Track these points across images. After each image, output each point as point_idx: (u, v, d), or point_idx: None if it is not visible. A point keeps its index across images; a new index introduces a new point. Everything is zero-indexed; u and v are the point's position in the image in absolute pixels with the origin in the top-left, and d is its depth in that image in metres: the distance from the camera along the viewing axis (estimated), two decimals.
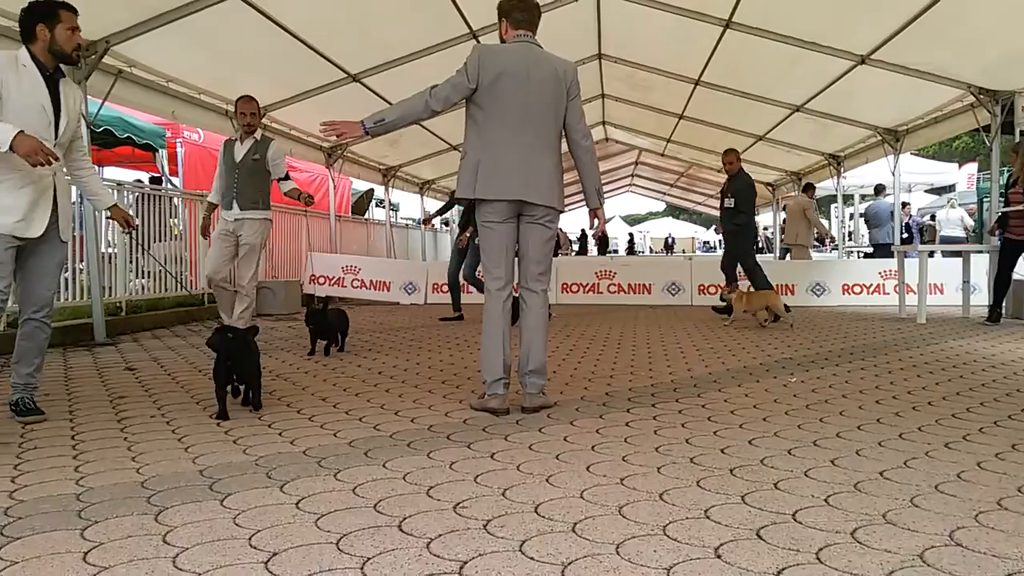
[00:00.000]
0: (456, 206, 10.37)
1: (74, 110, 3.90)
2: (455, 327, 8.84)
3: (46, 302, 3.91)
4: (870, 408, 4.08)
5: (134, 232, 4.28)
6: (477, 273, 9.09)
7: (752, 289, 9.10)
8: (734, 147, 9.95)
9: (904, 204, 18.00)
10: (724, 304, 9.41)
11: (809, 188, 14.34)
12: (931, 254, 9.99)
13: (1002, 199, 8.82)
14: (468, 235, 9.11)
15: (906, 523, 2.33)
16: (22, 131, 3.44)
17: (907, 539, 2.20)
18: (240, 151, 6.63)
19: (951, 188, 24.10)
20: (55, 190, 3.82)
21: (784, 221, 15.39)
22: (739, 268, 9.45)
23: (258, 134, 6.71)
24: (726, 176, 9.51)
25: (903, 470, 2.91)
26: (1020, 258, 8.44)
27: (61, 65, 3.85)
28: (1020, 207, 8.19)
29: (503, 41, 4.17)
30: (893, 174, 12.25)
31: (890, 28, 8.25)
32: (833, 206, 28.43)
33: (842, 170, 14.57)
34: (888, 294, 11.68)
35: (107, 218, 4.12)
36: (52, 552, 2.16)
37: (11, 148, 3.40)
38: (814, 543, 2.18)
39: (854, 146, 13.47)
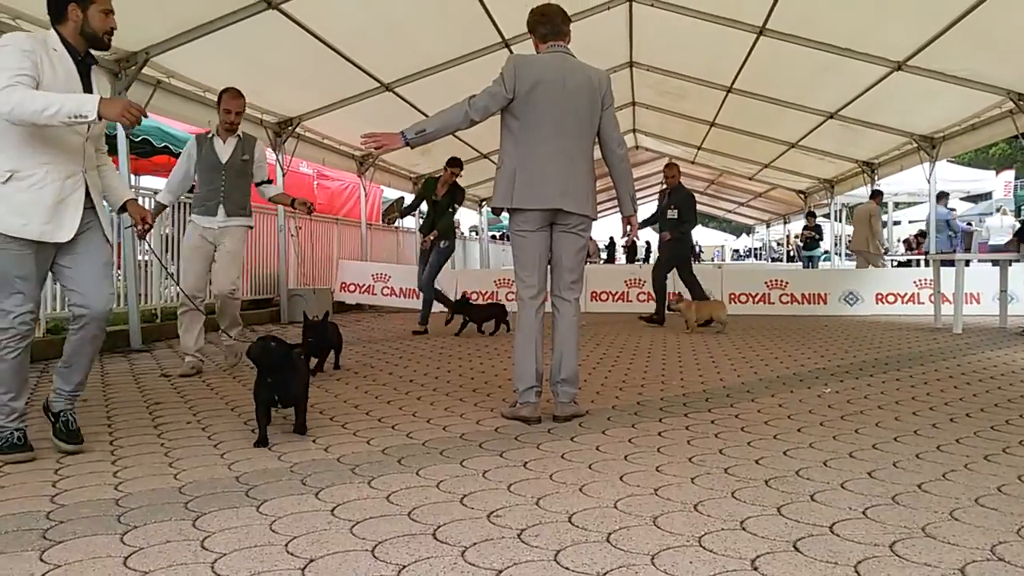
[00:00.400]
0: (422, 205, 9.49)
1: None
2: (485, 336, 8.84)
3: (100, 307, 3.44)
4: (907, 420, 4.03)
5: (146, 235, 3.82)
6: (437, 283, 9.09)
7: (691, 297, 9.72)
8: (675, 163, 10.73)
9: (951, 210, 17.77)
10: (652, 314, 10.19)
11: (877, 195, 14.19)
12: (967, 263, 9.82)
13: None
14: (432, 239, 8.71)
15: (946, 537, 2.30)
16: (102, 96, 3.14)
17: (947, 553, 2.17)
18: (225, 150, 5.86)
19: (988, 195, 23.76)
20: (87, 188, 3.40)
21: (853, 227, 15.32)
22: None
23: (240, 132, 6.00)
24: (668, 188, 10.16)
25: (942, 483, 2.87)
26: None
27: (91, 51, 3.45)
28: None
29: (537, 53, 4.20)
30: (929, 181, 12.08)
31: (927, 34, 8.16)
32: None
33: (876, 177, 14.39)
34: (923, 303, 11.50)
35: (117, 212, 3.70)
36: (93, 556, 2.19)
37: (99, 116, 3.06)
38: (852, 556, 2.15)
39: (888, 153, 13.31)
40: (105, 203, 3.60)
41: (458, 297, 9.31)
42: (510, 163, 4.03)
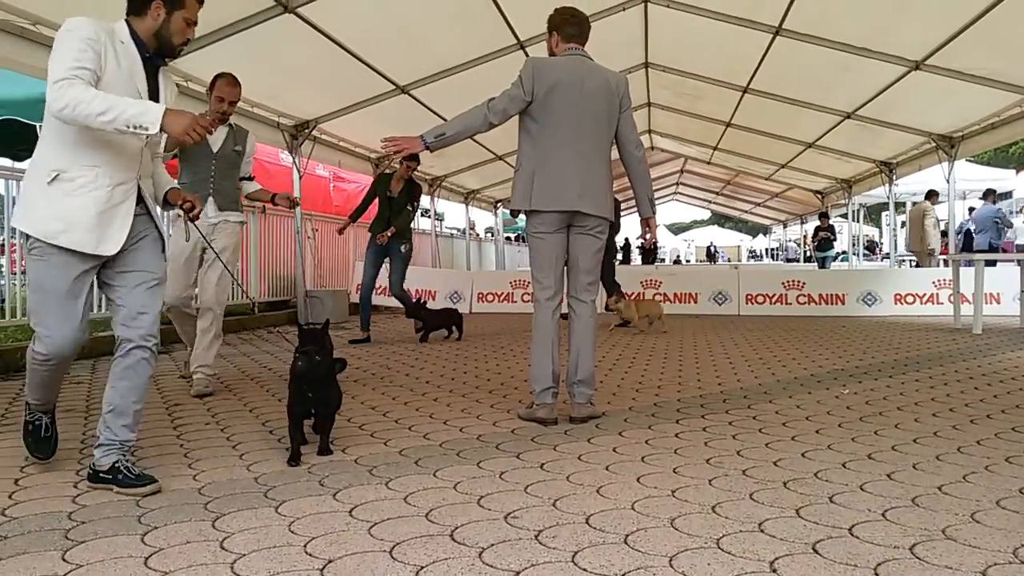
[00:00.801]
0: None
1: (171, 104, 3.06)
2: (500, 337, 8.84)
3: (145, 330, 3.00)
4: (926, 421, 4.00)
5: (198, 217, 3.34)
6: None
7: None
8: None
9: (971, 210, 17.62)
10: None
11: (932, 194, 14.08)
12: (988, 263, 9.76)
13: None
14: (389, 235, 8.04)
15: (967, 539, 2.28)
16: (168, 108, 2.80)
17: (968, 555, 2.15)
18: (215, 139, 5.29)
19: (1008, 195, 23.52)
20: (140, 196, 3.03)
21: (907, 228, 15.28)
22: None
23: (231, 122, 5.46)
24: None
25: (963, 484, 2.85)
26: None
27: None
28: None
29: (552, 55, 4.20)
30: (948, 181, 11.97)
31: (945, 33, 8.09)
32: (884, 214, 27.95)
33: (894, 177, 14.29)
34: (942, 304, 11.40)
35: (162, 208, 3.11)
36: (115, 556, 2.21)
37: (161, 128, 2.73)
38: (872, 558, 2.14)
39: (907, 153, 13.21)
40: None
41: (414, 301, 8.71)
42: (528, 165, 4.04)
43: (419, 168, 14.73)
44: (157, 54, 3.00)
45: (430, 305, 9.41)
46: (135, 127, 2.69)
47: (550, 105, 3.99)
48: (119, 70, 2.84)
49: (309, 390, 3.33)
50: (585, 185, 4.03)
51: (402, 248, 8.24)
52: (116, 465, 2.88)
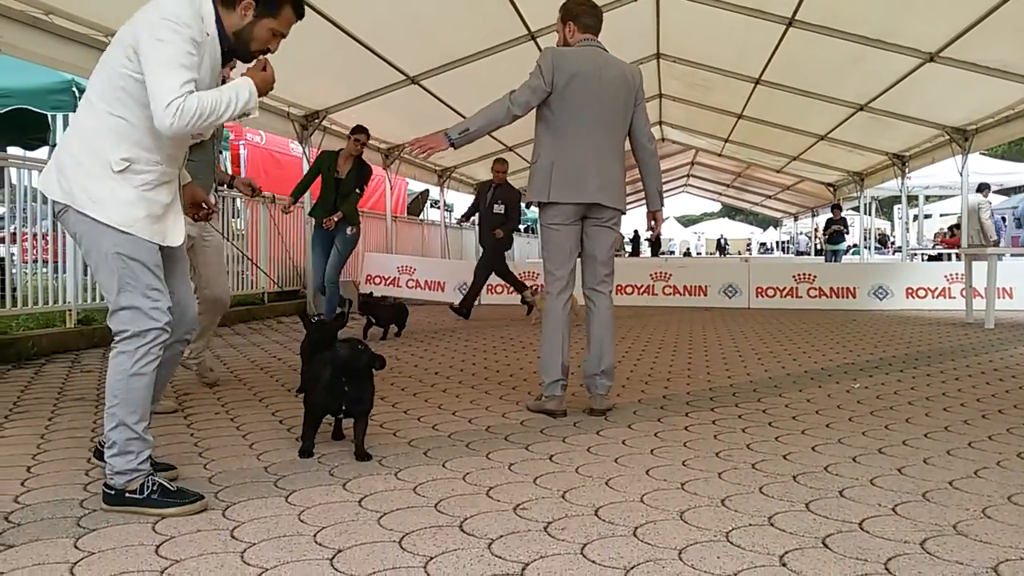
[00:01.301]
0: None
1: None
2: (509, 328, 8.84)
3: (189, 320, 3.00)
4: (937, 415, 3.98)
5: (210, 218, 3.27)
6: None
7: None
8: (503, 158, 10.45)
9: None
10: (460, 305, 9.83)
11: (984, 188, 13.95)
12: (1001, 257, 9.69)
13: None
14: (336, 220, 7.58)
15: (978, 535, 2.27)
16: (247, 76, 2.68)
17: (980, 551, 2.14)
18: None
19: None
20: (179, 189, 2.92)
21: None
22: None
23: None
24: (494, 183, 9.86)
25: (974, 480, 2.83)
26: None
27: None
28: None
29: (566, 44, 4.17)
30: (961, 174, 11.90)
31: (960, 25, 8.01)
32: (896, 207, 27.78)
33: (907, 170, 14.20)
34: (954, 298, 11.34)
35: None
36: (126, 544, 2.22)
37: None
38: (883, 553, 2.13)
39: (920, 146, 13.11)
40: None
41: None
42: (547, 156, 4.02)
43: (429, 159, 14.76)
44: (231, 52, 2.76)
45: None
46: (244, 113, 2.62)
47: (569, 96, 3.97)
48: (205, 65, 2.63)
49: (347, 384, 3.12)
50: (604, 177, 4.03)
51: (348, 231, 7.68)
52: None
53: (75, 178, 2.56)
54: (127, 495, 2.52)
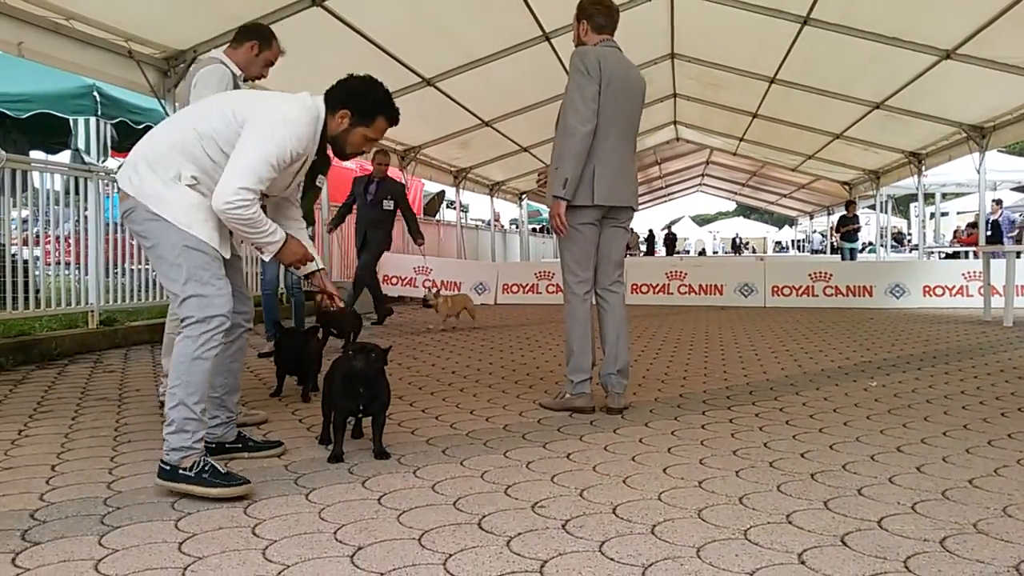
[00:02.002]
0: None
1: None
2: (526, 328, 8.85)
3: (249, 317, 3.20)
4: (956, 414, 3.96)
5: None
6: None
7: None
8: (386, 150, 9.48)
9: (998, 201, 17.32)
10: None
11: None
12: (1019, 255, 9.60)
13: None
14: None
15: (999, 533, 2.26)
16: (288, 237, 2.94)
17: (1000, 550, 2.14)
18: None
19: None
20: None
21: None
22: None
23: None
24: (376, 178, 8.91)
25: (994, 478, 2.82)
26: None
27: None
28: None
29: (582, 43, 4.16)
30: (978, 172, 11.82)
31: (978, 22, 7.96)
32: (913, 205, 27.58)
33: (923, 168, 14.11)
34: (972, 296, 11.26)
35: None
36: (150, 541, 2.26)
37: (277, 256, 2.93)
38: (902, 551, 2.13)
39: (936, 143, 13.03)
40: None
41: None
42: (587, 161, 3.98)
43: (444, 160, 14.80)
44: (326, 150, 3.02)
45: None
46: (258, 249, 2.90)
47: (606, 100, 3.97)
48: (296, 165, 2.88)
49: (362, 387, 3.14)
50: (635, 181, 4.17)
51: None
52: (242, 434, 3.22)
53: (147, 178, 2.76)
54: (180, 471, 2.66)
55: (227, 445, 3.15)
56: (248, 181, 2.68)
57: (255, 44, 4.10)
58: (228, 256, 2.91)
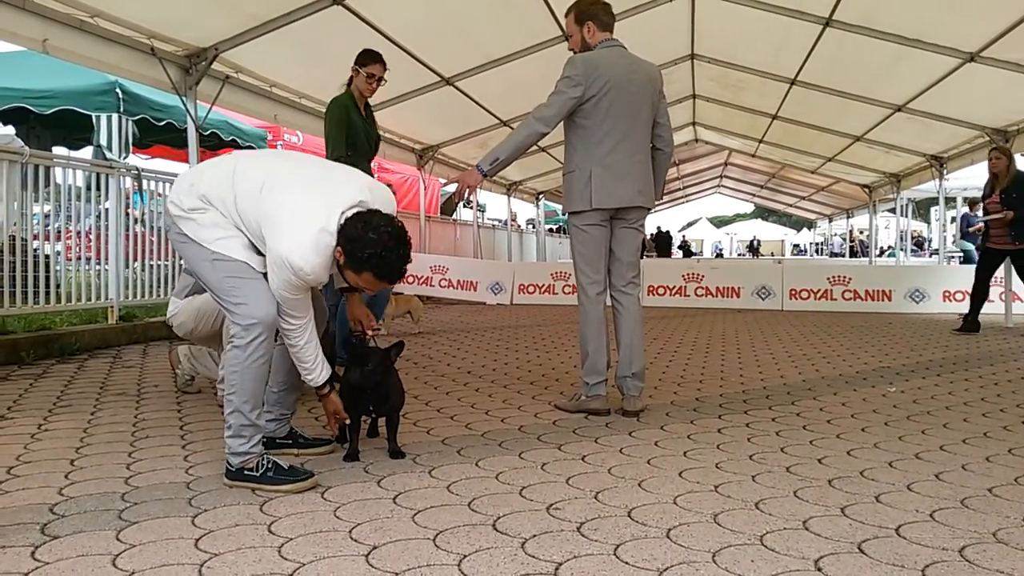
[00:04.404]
0: None
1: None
2: (542, 329, 8.84)
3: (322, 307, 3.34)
4: (976, 421, 3.92)
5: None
6: None
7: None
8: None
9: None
10: None
11: None
12: None
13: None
14: None
15: (1019, 543, 2.24)
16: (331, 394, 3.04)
17: (1021, 560, 2.11)
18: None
19: None
20: None
21: None
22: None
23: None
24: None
25: (1014, 487, 2.79)
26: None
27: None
28: (999, 216, 8.18)
29: (586, 47, 4.14)
30: None
31: (1002, 24, 7.87)
32: (934, 209, 27.34)
33: (945, 172, 13.97)
34: (993, 302, 11.12)
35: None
36: (166, 537, 2.27)
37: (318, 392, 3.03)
38: (920, 560, 2.11)
39: (959, 147, 12.89)
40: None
41: None
42: (585, 165, 4.01)
43: (461, 159, 14.82)
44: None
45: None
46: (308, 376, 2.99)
47: (603, 104, 3.96)
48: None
49: (372, 388, 3.12)
50: (642, 180, 4.08)
51: None
52: (293, 430, 3.29)
53: (179, 197, 2.86)
54: (245, 472, 2.76)
55: (278, 440, 3.20)
56: (288, 298, 2.78)
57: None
58: (261, 269, 2.84)
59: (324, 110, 5.62)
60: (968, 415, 4.07)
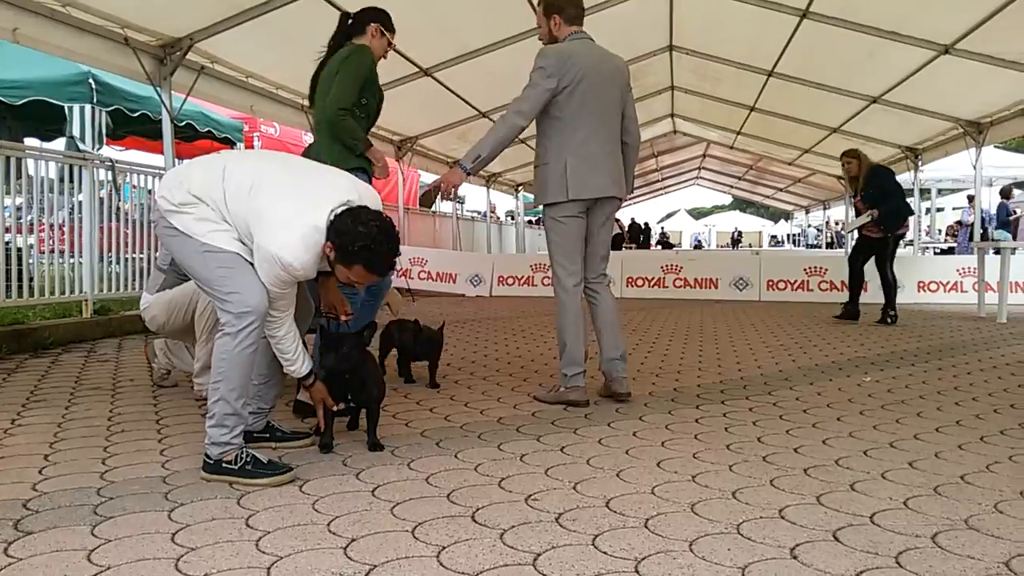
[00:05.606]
0: None
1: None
2: (520, 320, 8.85)
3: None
4: (949, 410, 3.97)
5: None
6: None
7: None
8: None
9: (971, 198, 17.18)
10: None
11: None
12: (1015, 251, 9.63)
13: None
14: None
15: (990, 529, 2.27)
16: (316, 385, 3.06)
17: (991, 546, 2.15)
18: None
19: None
20: None
21: None
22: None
23: None
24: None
25: (986, 474, 2.83)
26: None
27: None
28: (867, 219, 8.44)
29: (553, 39, 4.16)
30: (975, 168, 11.82)
31: (976, 16, 7.96)
32: (908, 200, 27.61)
33: (920, 163, 14.11)
34: (966, 292, 11.28)
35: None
36: (143, 532, 2.25)
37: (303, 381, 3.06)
38: (893, 547, 2.14)
39: (933, 139, 13.03)
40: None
41: None
42: (559, 157, 4.03)
43: (440, 151, 14.77)
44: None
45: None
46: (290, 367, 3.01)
47: (576, 95, 3.98)
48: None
49: (346, 375, 3.12)
50: (614, 171, 4.11)
51: None
52: (270, 424, 3.29)
53: (168, 191, 2.86)
54: (223, 465, 2.74)
55: (255, 434, 3.19)
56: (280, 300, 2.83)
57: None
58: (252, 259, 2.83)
59: (301, 100, 5.48)
60: (941, 404, 4.12)
